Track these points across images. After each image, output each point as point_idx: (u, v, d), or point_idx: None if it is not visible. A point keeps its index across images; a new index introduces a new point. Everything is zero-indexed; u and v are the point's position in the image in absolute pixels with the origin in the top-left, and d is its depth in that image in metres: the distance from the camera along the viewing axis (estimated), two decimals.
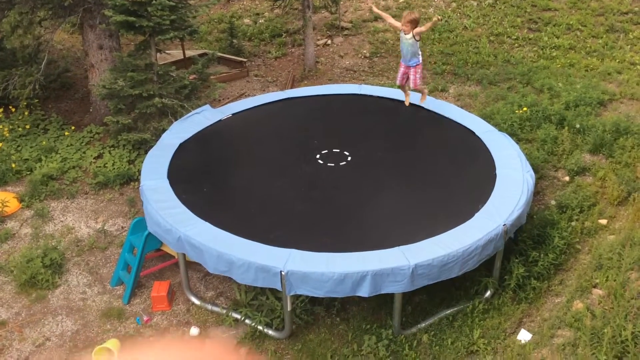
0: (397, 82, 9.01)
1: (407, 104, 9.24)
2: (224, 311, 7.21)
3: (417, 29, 8.21)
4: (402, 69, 8.72)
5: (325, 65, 13.50)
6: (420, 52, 8.51)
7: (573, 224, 7.88)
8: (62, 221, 8.90)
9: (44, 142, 10.26)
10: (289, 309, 6.60)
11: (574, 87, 11.15)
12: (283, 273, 6.11)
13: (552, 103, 10.61)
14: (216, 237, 6.63)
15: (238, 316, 7.07)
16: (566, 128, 9.73)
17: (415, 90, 9.02)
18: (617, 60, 12.45)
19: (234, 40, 14.29)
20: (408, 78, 8.73)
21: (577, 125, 9.76)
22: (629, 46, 13.01)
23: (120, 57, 9.70)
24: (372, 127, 9.14)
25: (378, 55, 13.78)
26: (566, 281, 7.07)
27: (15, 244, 8.47)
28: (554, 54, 13.05)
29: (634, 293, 5.84)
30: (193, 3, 10.02)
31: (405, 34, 8.34)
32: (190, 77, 10.12)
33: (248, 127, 9.25)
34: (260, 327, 6.90)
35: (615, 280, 6.13)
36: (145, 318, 7.30)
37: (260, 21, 15.81)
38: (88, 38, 10.49)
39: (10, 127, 10.66)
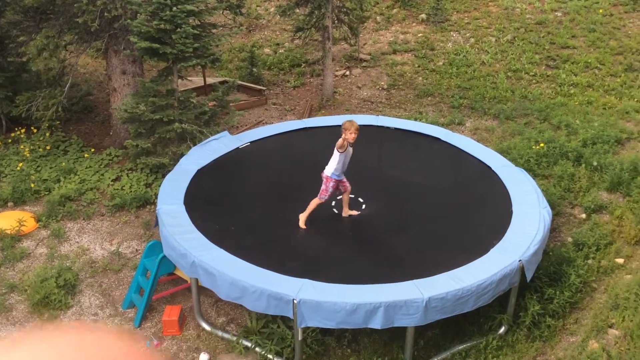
0: (325, 200, 7.49)
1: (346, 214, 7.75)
2: (235, 338, 7.17)
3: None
4: (332, 184, 7.36)
5: (343, 96, 13.62)
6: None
7: (589, 262, 7.80)
8: (77, 242, 8.97)
9: (63, 164, 10.40)
10: (299, 338, 6.55)
11: (591, 124, 11.13)
12: (295, 301, 6.09)
13: (569, 140, 10.59)
14: (230, 264, 6.64)
15: (248, 344, 7.03)
16: (583, 165, 9.69)
17: (345, 200, 7.70)
18: (636, 99, 12.44)
19: (254, 69, 14.51)
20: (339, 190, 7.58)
21: (595, 163, 9.72)
22: None
23: (143, 82, 9.88)
24: (389, 158, 9.16)
25: (395, 87, 13.89)
26: (582, 320, 6.96)
27: (31, 263, 8.54)
28: (572, 91, 13.07)
29: None
30: (216, 32, 10.21)
31: (350, 145, 7.21)
32: (210, 104, 10.27)
33: (265, 155, 9.33)
34: (270, 356, 6.84)
35: (632, 321, 6.03)
36: (155, 342, 7.28)
37: (280, 51, 16.05)
38: (112, 63, 10.71)
39: (31, 147, 10.84)
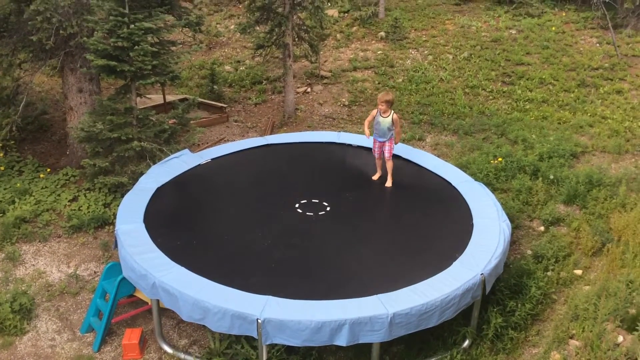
0: (376, 155, 9.00)
1: (376, 177, 9.06)
2: None
3: (395, 119, 8.51)
4: (378, 144, 8.80)
5: (305, 112, 13.66)
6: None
7: (549, 273, 7.94)
8: (33, 265, 8.69)
9: (18, 184, 10.10)
10: (264, 358, 6.46)
11: (547, 139, 11.41)
12: (259, 321, 6.01)
13: (526, 154, 10.82)
14: (192, 283, 6.52)
15: None
16: (540, 179, 9.91)
17: (387, 164, 8.89)
18: (589, 114, 12.81)
19: (215, 86, 14.43)
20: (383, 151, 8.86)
21: (551, 176, 9.94)
22: (599, 100, 13.42)
23: (100, 100, 9.70)
24: (351, 175, 9.19)
25: (357, 103, 14.00)
26: (543, 331, 7.07)
27: None
28: (528, 106, 13.40)
29: (610, 344, 5.85)
30: (175, 49, 10.12)
31: (382, 115, 8.49)
32: (170, 122, 10.14)
33: (226, 172, 9.25)
34: None
35: (591, 331, 6.14)
36: None
37: (241, 68, 16.02)
38: (68, 81, 10.49)
39: None
